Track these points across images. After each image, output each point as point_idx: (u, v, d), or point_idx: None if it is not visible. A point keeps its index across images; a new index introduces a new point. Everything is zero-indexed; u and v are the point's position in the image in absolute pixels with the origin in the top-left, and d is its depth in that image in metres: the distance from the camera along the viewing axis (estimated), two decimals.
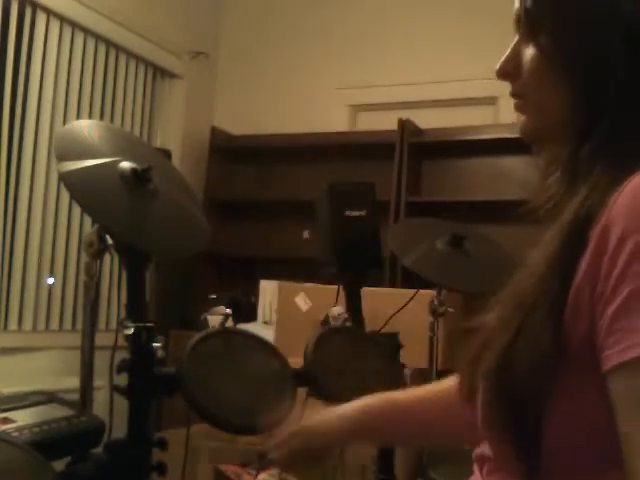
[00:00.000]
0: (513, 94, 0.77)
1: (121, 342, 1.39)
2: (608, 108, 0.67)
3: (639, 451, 0.56)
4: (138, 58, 3.98)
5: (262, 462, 1.25)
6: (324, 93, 4.29)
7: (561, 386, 0.64)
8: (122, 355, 1.40)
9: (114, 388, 1.38)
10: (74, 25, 3.54)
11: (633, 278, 0.57)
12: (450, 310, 2.36)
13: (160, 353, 1.40)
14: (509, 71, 0.76)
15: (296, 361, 1.65)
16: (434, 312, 2.32)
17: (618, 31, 0.67)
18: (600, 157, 0.67)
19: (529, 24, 0.72)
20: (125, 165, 1.38)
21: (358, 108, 4.35)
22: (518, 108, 0.77)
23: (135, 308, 1.41)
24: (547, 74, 0.71)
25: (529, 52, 0.73)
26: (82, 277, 1.56)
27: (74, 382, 1.72)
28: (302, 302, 3.10)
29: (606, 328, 0.59)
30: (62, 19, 3.47)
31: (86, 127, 1.47)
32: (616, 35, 0.67)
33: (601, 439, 0.63)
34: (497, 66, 0.76)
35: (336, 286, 2.07)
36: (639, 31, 0.66)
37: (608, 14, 0.67)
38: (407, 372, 2.03)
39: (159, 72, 4.20)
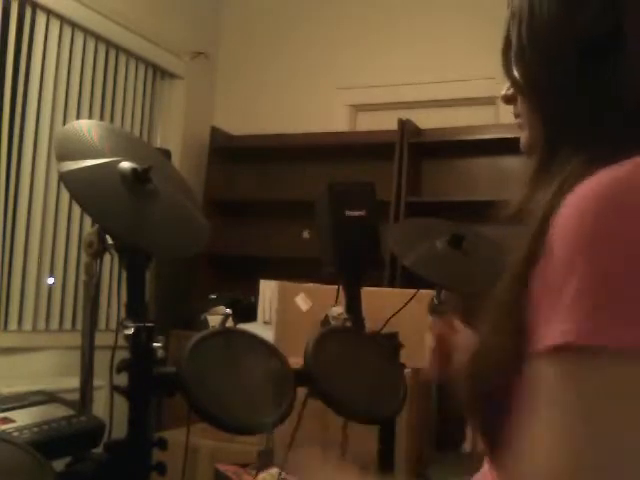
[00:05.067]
0: (514, 115, 0.86)
1: (121, 342, 1.39)
2: (565, 123, 0.74)
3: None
4: (138, 58, 3.98)
5: (262, 462, 1.25)
6: (324, 93, 4.29)
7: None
8: (122, 355, 1.40)
9: (114, 388, 1.38)
10: (74, 25, 3.54)
11: (563, 289, 0.60)
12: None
13: (160, 353, 1.39)
14: (510, 97, 0.85)
15: (296, 361, 1.65)
16: (434, 312, 2.32)
17: (569, 46, 0.72)
18: (562, 168, 0.72)
19: (504, 57, 0.80)
20: (125, 165, 1.38)
21: (358, 108, 4.35)
22: (518, 126, 0.85)
23: (135, 308, 1.41)
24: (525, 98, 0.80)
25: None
26: (82, 277, 1.56)
27: (74, 382, 1.72)
28: (302, 302, 3.10)
29: (535, 319, 0.62)
30: (62, 19, 3.47)
31: (86, 127, 1.47)
32: (567, 50, 0.72)
33: None
34: (501, 92, 0.85)
35: (336, 286, 2.07)
36: (590, 44, 0.70)
37: (558, 32, 0.73)
38: (407, 372, 2.02)
39: (159, 72, 4.20)
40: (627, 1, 0.70)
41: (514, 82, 0.80)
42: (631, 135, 0.70)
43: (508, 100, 0.85)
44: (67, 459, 1.37)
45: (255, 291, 3.66)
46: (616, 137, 0.70)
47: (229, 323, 1.63)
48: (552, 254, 0.62)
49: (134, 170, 1.38)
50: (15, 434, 1.26)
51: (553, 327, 0.58)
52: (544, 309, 0.61)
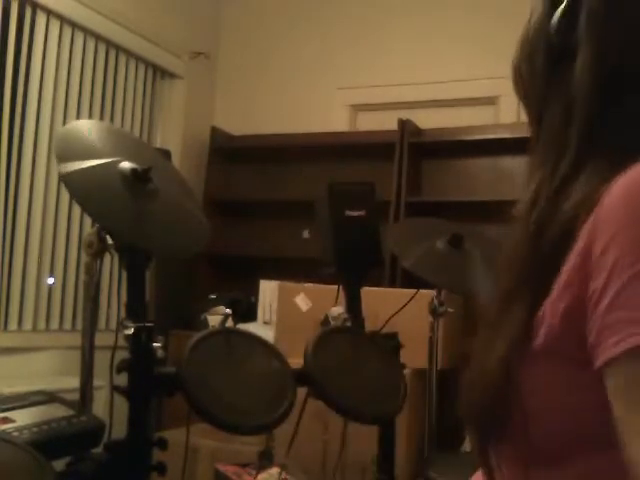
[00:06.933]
0: None
1: (121, 342, 1.39)
2: (544, 118, 0.76)
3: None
4: (138, 58, 3.98)
5: (262, 462, 1.25)
6: (324, 93, 4.29)
7: (532, 382, 0.67)
8: (122, 355, 1.40)
9: (114, 388, 1.38)
10: (74, 25, 3.54)
11: (622, 272, 0.59)
12: (450, 310, 2.36)
13: (160, 353, 1.40)
14: None
15: (296, 361, 1.65)
16: (434, 312, 2.33)
17: (543, 49, 0.75)
18: (540, 160, 0.75)
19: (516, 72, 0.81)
20: (125, 165, 1.38)
21: (358, 108, 4.35)
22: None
23: (135, 308, 1.41)
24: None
25: None
26: (82, 277, 1.56)
27: (74, 382, 1.72)
28: (302, 302, 3.10)
29: (599, 323, 0.60)
30: (62, 19, 3.47)
31: (86, 127, 1.48)
32: (541, 52, 0.75)
33: (574, 429, 0.67)
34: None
35: (336, 286, 2.07)
36: (556, 50, 0.73)
37: (538, 34, 0.76)
38: (407, 372, 2.02)
39: (159, 72, 4.20)
40: (583, 12, 0.71)
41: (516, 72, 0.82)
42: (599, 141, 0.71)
43: None
44: (67, 459, 1.38)
45: (255, 291, 3.66)
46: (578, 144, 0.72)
47: (229, 323, 1.63)
48: (593, 247, 0.61)
49: (134, 170, 1.38)
50: (15, 434, 1.26)
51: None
52: (610, 306, 0.60)
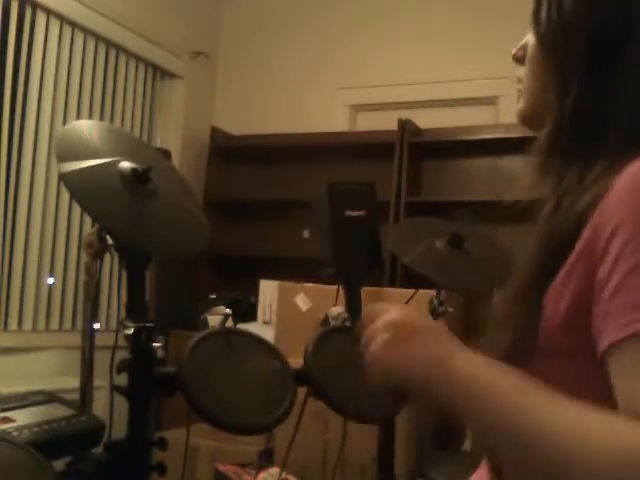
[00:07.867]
0: (518, 78, 0.85)
1: (121, 342, 1.39)
2: (572, 106, 0.74)
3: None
4: (138, 58, 3.98)
5: (262, 462, 1.25)
6: (324, 93, 4.29)
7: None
8: (122, 355, 1.40)
9: (114, 388, 1.38)
10: (74, 25, 3.54)
11: (627, 260, 0.60)
12: (450, 310, 2.36)
13: (160, 353, 1.39)
14: (519, 57, 0.85)
15: (296, 361, 1.65)
16: (434, 312, 2.33)
17: (585, 38, 0.73)
18: (569, 150, 0.74)
19: (534, 15, 0.80)
20: (125, 165, 1.38)
21: (358, 108, 4.35)
22: (518, 92, 0.85)
23: (135, 308, 1.41)
24: (539, 63, 0.80)
25: (531, 41, 0.81)
26: (82, 277, 1.56)
27: (74, 382, 1.72)
28: (302, 302, 3.10)
29: (604, 309, 0.61)
30: (62, 19, 3.47)
31: (86, 127, 1.47)
32: (582, 40, 0.73)
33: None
34: (512, 51, 0.86)
35: (336, 286, 2.06)
36: (603, 39, 0.72)
37: (579, 21, 0.74)
38: None
39: (159, 72, 4.20)
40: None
41: (537, 40, 0.80)
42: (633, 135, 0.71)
43: (517, 59, 0.86)
44: (67, 459, 1.38)
45: (255, 291, 3.65)
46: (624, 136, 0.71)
47: (229, 323, 1.63)
48: (600, 235, 0.62)
49: (134, 170, 1.37)
50: (15, 434, 1.26)
51: None
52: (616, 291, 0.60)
